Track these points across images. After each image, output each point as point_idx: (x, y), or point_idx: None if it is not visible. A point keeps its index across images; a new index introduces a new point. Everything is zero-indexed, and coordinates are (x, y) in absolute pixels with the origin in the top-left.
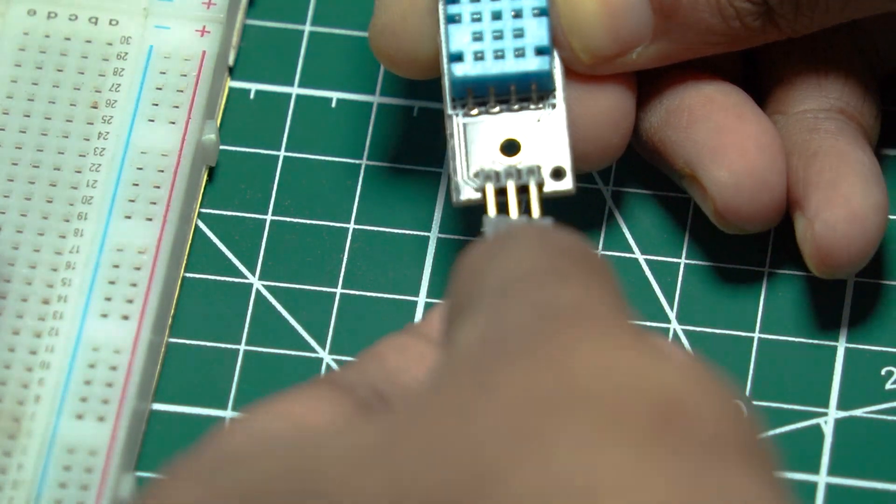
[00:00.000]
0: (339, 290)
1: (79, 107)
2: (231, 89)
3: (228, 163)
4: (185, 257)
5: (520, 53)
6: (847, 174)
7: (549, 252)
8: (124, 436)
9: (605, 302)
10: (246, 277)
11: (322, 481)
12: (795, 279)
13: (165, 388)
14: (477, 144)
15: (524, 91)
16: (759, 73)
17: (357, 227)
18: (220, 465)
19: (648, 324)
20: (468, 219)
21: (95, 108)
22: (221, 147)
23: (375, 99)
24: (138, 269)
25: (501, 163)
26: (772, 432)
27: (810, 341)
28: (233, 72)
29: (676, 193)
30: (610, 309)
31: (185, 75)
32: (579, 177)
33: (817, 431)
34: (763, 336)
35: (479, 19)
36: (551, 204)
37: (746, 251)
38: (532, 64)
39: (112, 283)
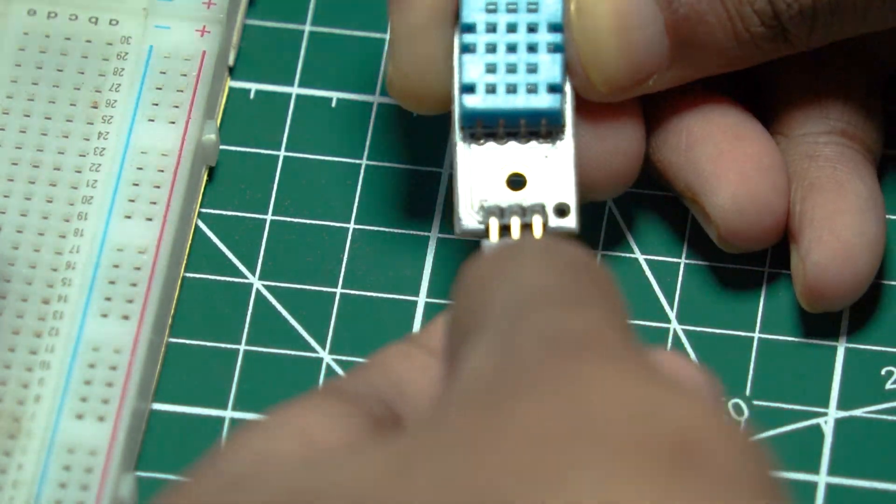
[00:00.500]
0: (339, 290)
1: (79, 107)
2: (231, 89)
3: (228, 163)
4: (185, 257)
5: (532, 89)
6: (842, 210)
7: (556, 268)
8: (124, 436)
9: (616, 327)
10: (246, 277)
11: None
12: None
13: (165, 388)
14: (482, 174)
15: (534, 125)
16: (760, 92)
17: (357, 227)
18: (225, 490)
19: (648, 324)
20: None
21: (95, 108)
22: (221, 147)
23: (375, 99)
24: (138, 269)
25: (506, 197)
26: (772, 432)
27: (810, 341)
28: (233, 72)
29: (677, 193)
30: (621, 335)
31: (185, 75)
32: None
33: (817, 431)
34: (763, 336)
35: (493, 50)
36: None
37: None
38: (544, 101)
39: (112, 283)
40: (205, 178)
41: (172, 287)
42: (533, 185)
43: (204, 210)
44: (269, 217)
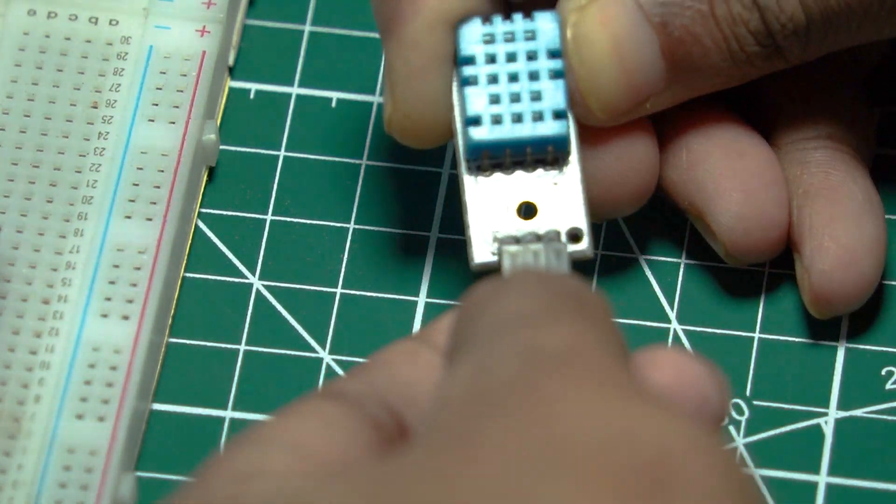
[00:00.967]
0: (339, 290)
1: (79, 107)
2: (231, 89)
3: (228, 163)
4: (185, 257)
5: (537, 117)
6: (839, 215)
7: (544, 294)
8: (124, 436)
9: (597, 344)
10: (246, 277)
11: None
12: (796, 279)
13: (165, 388)
14: (492, 206)
15: (540, 153)
16: (747, 102)
17: (357, 227)
18: None
19: (648, 324)
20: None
21: (95, 108)
22: (221, 147)
23: (375, 99)
24: (138, 269)
25: (519, 227)
26: (772, 432)
27: (810, 341)
28: (233, 72)
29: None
30: (601, 352)
31: (185, 75)
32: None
33: (817, 431)
34: (763, 336)
35: (495, 81)
36: None
37: None
38: (550, 128)
39: (112, 283)
40: (205, 178)
41: (172, 287)
42: (544, 213)
43: (204, 210)
44: (269, 217)
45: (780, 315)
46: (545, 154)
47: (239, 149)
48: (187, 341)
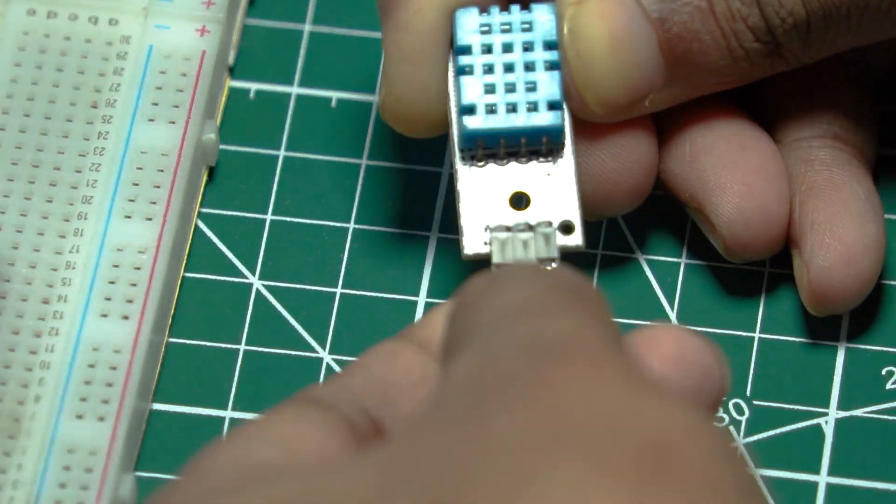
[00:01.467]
0: (339, 290)
1: (79, 107)
2: (231, 89)
3: (228, 163)
4: (185, 257)
5: (532, 108)
6: (841, 213)
7: (542, 287)
8: (124, 436)
9: (596, 335)
10: (246, 277)
11: None
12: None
13: (165, 388)
14: (485, 196)
15: (534, 144)
16: (750, 102)
17: (357, 227)
18: (203, 501)
19: (649, 324)
20: None
21: (95, 108)
22: (221, 147)
23: (375, 99)
24: (138, 269)
25: (511, 217)
26: (772, 432)
27: (811, 341)
28: (233, 72)
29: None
30: (601, 342)
31: (184, 75)
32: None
33: (817, 431)
34: (763, 336)
35: (491, 71)
36: None
37: None
38: (545, 119)
39: (112, 283)
40: (205, 178)
41: (172, 287)
42: (537, 204)
43: (204, 210)
44: (269, 217)
45: (781, 315)
46: (539, 145)
47: (239, 149)
48: (187, 341)
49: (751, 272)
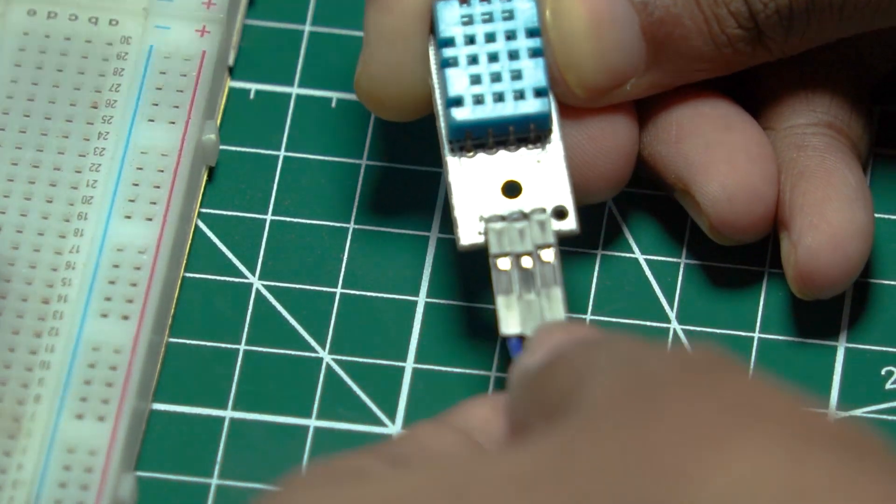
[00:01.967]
0: (339, 290)
1: (79, 107)
2: (231, 89)
3: (228, 163)
4: (185, 257)
5: (519, 96)
6: (832, 197)
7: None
8: (124, 436)
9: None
10: (246, 277)
11: None
12: None
13: (165, 388)
14: (477, 186)
15: (522, 132)
16: (746, 89)
17: (357, 227)
18: (389, 464)
19: (648, 324)
20: None
21: (95, 108)
22: (221, 147)
23: None
24: (138, 269)
25: (504, 206)
26: None
27: (810, 341)
28: (233, 72)
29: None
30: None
31: (185, 75)
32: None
33: None
34: (763, 336)
35: (475, 61)
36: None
37: (746, 251)
38: (532, 106)
39: (112, 283)
40: (205, 178)
41: (172, 287)
42: (529, 191)
43: (204, 210)
44: (268, 217)
45: (780, 314)
46: (528, 133)
47: (239, 149)
48: (187, 341)
49: (750, 272)
